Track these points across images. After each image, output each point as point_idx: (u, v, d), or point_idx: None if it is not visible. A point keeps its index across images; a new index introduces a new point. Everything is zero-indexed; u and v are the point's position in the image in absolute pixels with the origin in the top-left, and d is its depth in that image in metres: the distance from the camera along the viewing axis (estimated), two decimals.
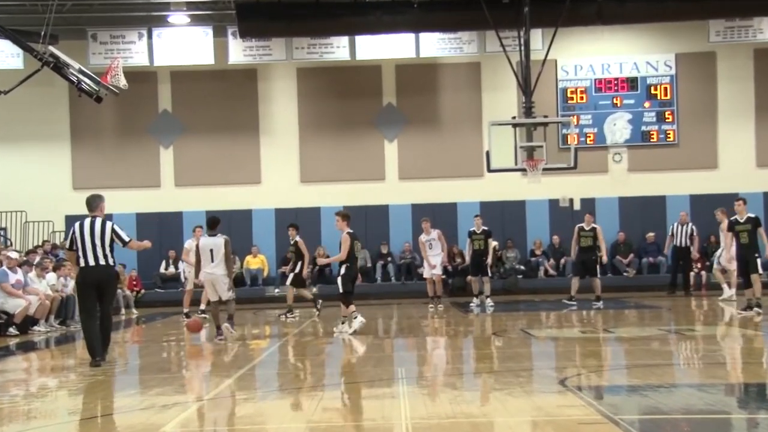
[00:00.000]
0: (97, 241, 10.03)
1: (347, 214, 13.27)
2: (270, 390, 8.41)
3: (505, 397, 7.31)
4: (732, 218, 15.03)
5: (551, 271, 22.13)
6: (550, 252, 22.40)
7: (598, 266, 17.38)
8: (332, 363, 10.50)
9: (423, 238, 17.79)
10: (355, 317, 13.01)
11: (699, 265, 21.14)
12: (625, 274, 21.80)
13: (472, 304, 17.74)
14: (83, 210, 10.72)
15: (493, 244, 18.34)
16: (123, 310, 19.85)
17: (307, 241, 22.38)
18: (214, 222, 12.99)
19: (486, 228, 17.90)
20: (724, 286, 17.89)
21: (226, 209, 22.53)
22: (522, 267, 22.23)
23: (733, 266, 16.66)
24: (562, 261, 22.12)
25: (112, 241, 10.12)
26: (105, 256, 10.07)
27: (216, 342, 12.40)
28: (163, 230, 22.05)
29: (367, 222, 22.48)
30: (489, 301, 17.69)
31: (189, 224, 22.30)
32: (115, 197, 22.43)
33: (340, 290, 13.09)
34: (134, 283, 21.17)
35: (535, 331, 13.20)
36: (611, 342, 11.81)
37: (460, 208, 22.59)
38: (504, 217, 22.50)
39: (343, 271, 13.11)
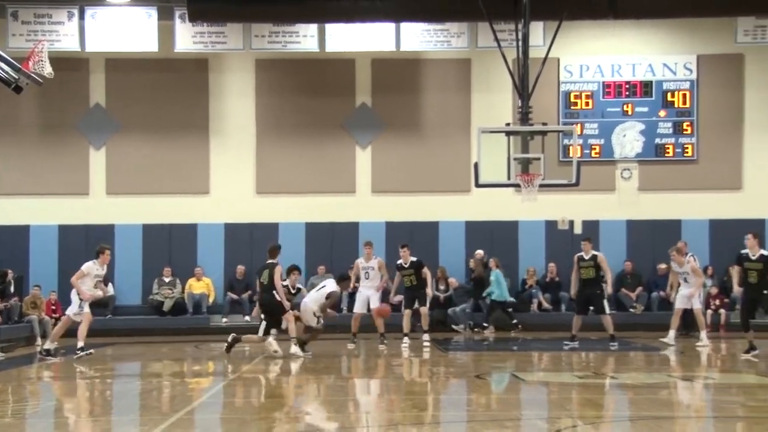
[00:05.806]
0: None
1: None
2: None
3: None
4: (743, 252, 15.84)
5: (546, 305, 22.19)
6: (545, 282, 22.46)
7: (605, 301, 17.63)
8: (279, 405, 10.45)
9: (361, 263, 18.19)
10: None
11: (717, 302, 21.32)
12: (631, 310, 21.91)
13: (403, 345, 17.68)
14: None
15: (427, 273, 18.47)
16: (39, 339, 19.66)
17: (257, 264, 22.41)
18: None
19: (415, 259, 18.23)
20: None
21: (166, 223, 22.51)
22: (512, 299, 22.26)
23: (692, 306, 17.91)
24: (562, 294, 22.17)
25: None
26: None
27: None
28: (90, 246, 21.77)
29: (334, 242, 22.45)
30: (426, 336, 18.15)
31: (122, 239, 22.22)
32: (35, 206, 22.39)
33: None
34: (53, 308, 20.99)
35: (526, 375, 13.28)
36: (613, 389, 11.89)
37: (443, 228, 22.62)
38: (493, 239, 22.55)
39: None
